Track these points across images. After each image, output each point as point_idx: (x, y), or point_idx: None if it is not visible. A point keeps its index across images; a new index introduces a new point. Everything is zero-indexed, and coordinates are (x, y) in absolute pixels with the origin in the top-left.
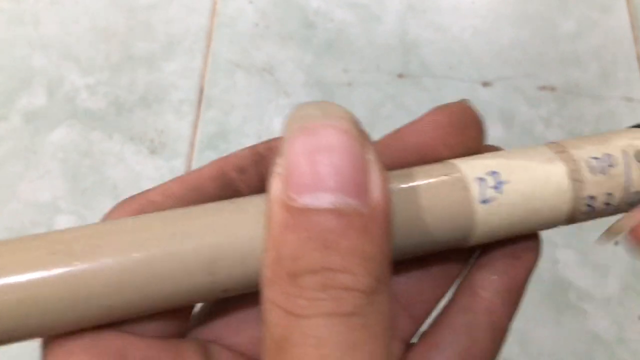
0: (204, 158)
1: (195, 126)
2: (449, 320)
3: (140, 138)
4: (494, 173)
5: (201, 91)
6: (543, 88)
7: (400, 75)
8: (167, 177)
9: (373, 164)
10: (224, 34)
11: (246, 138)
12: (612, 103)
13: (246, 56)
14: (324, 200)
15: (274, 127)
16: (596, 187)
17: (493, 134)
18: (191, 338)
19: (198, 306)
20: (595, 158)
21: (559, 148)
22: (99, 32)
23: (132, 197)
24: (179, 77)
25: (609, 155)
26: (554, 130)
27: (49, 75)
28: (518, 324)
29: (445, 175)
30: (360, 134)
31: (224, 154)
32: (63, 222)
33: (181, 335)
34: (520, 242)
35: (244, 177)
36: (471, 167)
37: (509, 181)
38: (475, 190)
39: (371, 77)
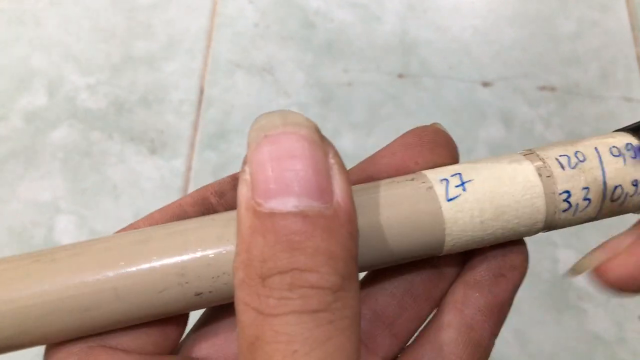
0: (204, 158)
1: (195, 126)
2: (430, 337)
3: (140, 138)
4: (457, 174)
5: (201, 91)
6: (543, 88)
7: (400, 75)
8: (167, 177)
9: (334, 168)
10: (224, 34)
11: (246, 138)
12: (612, 103)
13: (246, 56)
14: (289, 204)
15: None
16: (569, 181)
17: (493, 133)
18: (181, 356)
19: (190, 326)
20: (564, 155)
21: (526, 152)
22: (99, 32)
23: (123, 230)
24: (179, 77)
25: (578, 152)
26: (553, 130)
27: (49, 75)
28: (518, 324)
29: (410, 179)
30: (320, 140)
31: (224, 154)
32: (63, 222)
33: (171, 352)
34: (506, 259)
35: (222, 201)
36: (435, 172)
37: (472, 179)
38: (439, 189)
39: (371, 77)
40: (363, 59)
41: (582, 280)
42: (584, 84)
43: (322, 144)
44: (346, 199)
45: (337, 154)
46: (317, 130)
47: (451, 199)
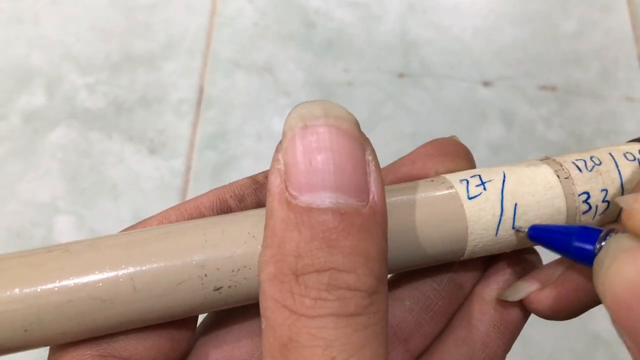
0: (203, 158)
1: (195, 126)
2: (444, 351)
3: (139, 138)
4: (477, 175)
5: (201, 91)
6: (544, 88)
7: (401, 75)
8: (167, 177)
9: (371, 165)
10: (223, 33)
11: (246, 138)
12: (613, 103)
13: (246, 56)
14: (326, 199)
15: (274, 127)
16: (586, 183)
17: (494, 133)
18: None
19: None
20: (580, 159)
21: (542, 158)
22: (99, 32)
23: (132, 227)
24: (179, 77)
25: (593, 157)
26: (554, 130)
27: (48, 75)
28: None
29: (430, 181)
30: (360, 135)
31: (224, 154)
32: (62, 222)
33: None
34: (521, 272)
35: (242, 206)
36: (454, 175)
37: (492, 179)
38: (460, 188)
39: (371, 76)
40: (363, 59)
41: None
42: (585, 83)
43: (361, 139)
44: (381, 198)
45: (373, 152)
46: (358, 126)
47: (472, 197)
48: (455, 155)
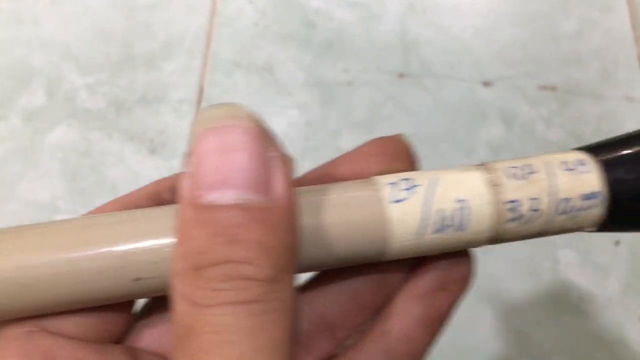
0: None
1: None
2: (367, 344)
3: (139, 138)
4: (407, 179)
5: (201, 91)
6: (544, 88)
7: (401, 75)
8: (167, 176)
9: (275, 161)
10: (223, 33)
11: None
12: (613, 103)
13: (246, 56)
14: (229, 196)
15: (274, 127)
16: (516, 191)
17: (494, 133)
18: (123, 345)
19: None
20: (514, 167)
21: (478, 164)
22: (99, 32)
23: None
24: (179, 77)
25: (528, 165)
26: (554, 130)
27: (48, 75)
28: (518, 324)
29: (360, 182)
30: (264, 133)
31: None
32: None
33: (118, 342)
34: (450, 272)
35: (175, 197)
36: (386, 177)
37: (421, 184)
38: (387, 192)
39: (371, 77)
40: (363, 59)
41: (582, 281)
42: (585, 83)
43: (265, 137)
44: (285, 192)
45: (279, 148)
46: (262, 124)
47: (397, 201)
48: (395, 155)
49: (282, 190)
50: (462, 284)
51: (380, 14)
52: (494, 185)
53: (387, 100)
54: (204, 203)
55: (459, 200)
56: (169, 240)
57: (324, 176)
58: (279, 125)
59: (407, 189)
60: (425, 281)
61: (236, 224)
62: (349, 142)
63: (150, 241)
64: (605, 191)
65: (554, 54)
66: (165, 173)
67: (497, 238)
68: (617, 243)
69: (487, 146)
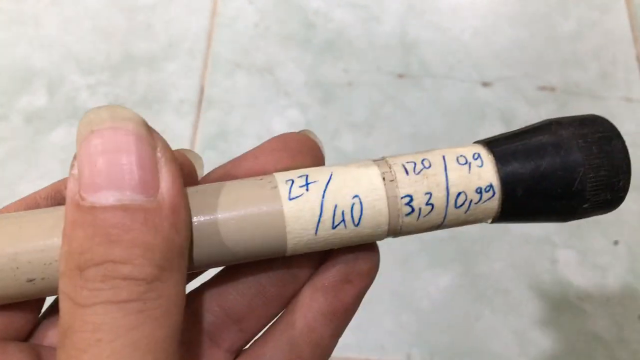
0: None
1: (195, 126)
2: (275, 335)
3: None
4: (304, 175)
5: (201, 91)
6: (543, 88)
7: (400, 75)
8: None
9: (162, 161)
10: (224, 34)
11: (246, 138)
12: (611, 103)
13: (246, 56)
14: (111, 197)
15: (274, 127)
16: (411, 186)
17: (493, 133)
18: (29, 343)
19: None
20: (410, 162)
21: (377, 159)
22: (99, 32)
23: None
24: (179, 77)
25: (425, 159)
26: None
27: (49, 75)
28: (518, 324)
29: (258, 180)
30: (148, 134)
31: (224, 154)
32: None
33: (23, 339)
34: (354, 265)
35: None
36: (284, 174)
37: (317, 181)
38: (283, 189)
39: (371, 77)
40: (363, 59)
41: (581, 280)
42: (584, 84)
43: (150, 138)
44: (171, 192)
45: (166, 148)
46: (145, 125)
47: (293, 198)
48: (298, 151)
49: (169, 190)
50: (367, 276)
51: (380, 15)
52: (390, 181)
53: (386, 100)
54: (86, 204)
55: (354, 196)
56: (58, 242)
57: (227, 174)
58: (279, 125)
59: (303, 186)
60: (330, 274)
61: (116, 224)
62: (348, 142)
63: (40, 242)
64: (498, 184)
65: (553, 55)
66: None
67: (396, 231)
68: (616, 243)
69: None
